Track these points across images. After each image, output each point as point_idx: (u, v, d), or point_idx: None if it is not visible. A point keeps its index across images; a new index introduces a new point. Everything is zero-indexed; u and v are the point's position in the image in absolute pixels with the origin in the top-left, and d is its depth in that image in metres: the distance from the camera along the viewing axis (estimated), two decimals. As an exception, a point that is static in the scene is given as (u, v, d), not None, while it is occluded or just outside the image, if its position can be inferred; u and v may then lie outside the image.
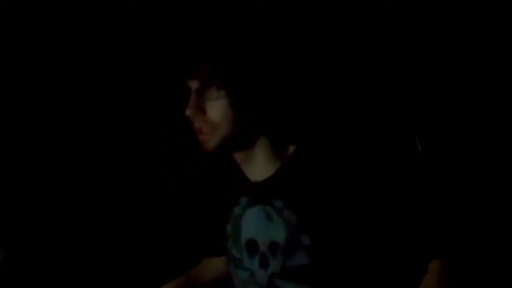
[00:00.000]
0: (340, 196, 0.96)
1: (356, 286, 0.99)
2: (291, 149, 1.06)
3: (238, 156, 1.07)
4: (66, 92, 2.04)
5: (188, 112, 1.00)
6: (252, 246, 1.05)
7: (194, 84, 0.99)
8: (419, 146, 1.60)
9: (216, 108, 0.98)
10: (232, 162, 1.11)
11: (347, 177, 0.96)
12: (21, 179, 1.95)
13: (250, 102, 0.99)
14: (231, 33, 1.01)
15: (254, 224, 1.04)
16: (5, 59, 1.94)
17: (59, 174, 2.01)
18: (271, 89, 1.02)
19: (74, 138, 2.04)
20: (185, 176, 2.06)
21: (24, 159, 1.97)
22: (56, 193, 2.00)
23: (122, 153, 2.09)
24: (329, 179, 0.97)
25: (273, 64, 1.04)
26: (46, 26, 1.96)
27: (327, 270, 0.96)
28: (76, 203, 2.02)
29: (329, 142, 1.03)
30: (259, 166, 1.05)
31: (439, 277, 0.98)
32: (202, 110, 0.99)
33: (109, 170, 2.07)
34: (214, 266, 1.29)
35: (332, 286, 0.97)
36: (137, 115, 2.11)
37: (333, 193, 0.96)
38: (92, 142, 2.06)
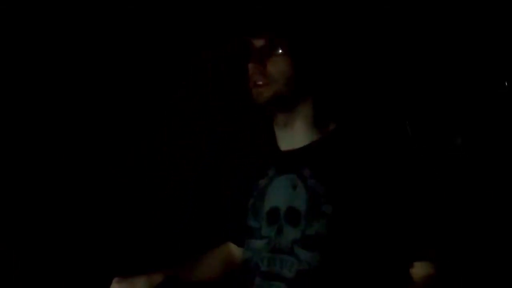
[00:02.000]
0: (365, 179, 1.02)
1: (362, 263, 1.03)
2: (331, 126, 1.13)
3: (279, 119, 1.13)
4: (66, 93, 2.04)
5: (250, 66, 1.09)
6: (273, 213, 1.08)
7: (259, 42, 1.08)
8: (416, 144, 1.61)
9: (277, 65, 1.06)
10: (263, 134, 1.20)
11: (375, 165, 1.03)
12: (21, 179, 1.96)
13: (308, 66, 1.08)
14: (297, 4, 1.12)
15: (278, 192, 1.09)
16: (5, 59, 1.94)
17: (59, 174, 2.01)
18: (329, 58, 1.13)
19: (75, 138, 2.04)
20: (185, 176, 2.07)
21: (24, 159, 1.97)
22: (56, 193, 2.00)
23: (122, 153, 2.09)
24: (359, 162, 1.03)
25: (335, 34, 1.16)
26: (46, 26, 1.96)
27: (342, 242, 1.01)
28: (76, 203, 2.02)
29: (368, 128, 1.10)
30: (296, 134, 1.11)
31: (429, 280, 1.02)
32: (263, 65, 1.07)
33: (110, 170, 2.07)
34: (231, 252, 1.32)
35: (344, 259, 1.01)
36: (137, 115, 2.11)
37: (359, 175, 1.02)
38: (92, 142, 2.06)
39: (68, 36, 2.01)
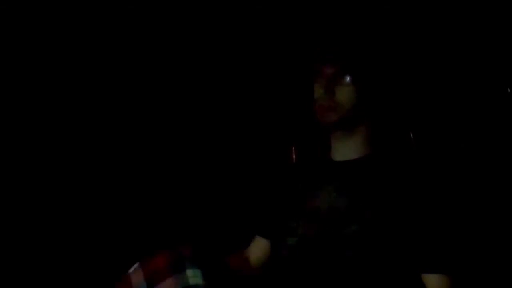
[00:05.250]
0: (398, 193, 1.13)
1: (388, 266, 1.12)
2: (381, 145, 1.25)
3: (338, 135, 1.24)
4: (66, 93, 2.04)
5: (318, 90, 1.21)
6: (313, 213, 1.19)
7: (330, 69, 1.19)
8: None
9: (345, 92, 1.19)
10: (318, 151, 1.32)
11: (408, 183, 1.14)
12: (21, 179, 1.96)
13: (370, 95, 1.21)
14: (368, 38, 1.28)
15: (323, 195, 1.20)
16: (5, 59, 1.94)
17: (59, 174, 2.01)
18: (387, 88, 1.27)
19: (75, 138, 2.04)
20: (185, 176, 2.07)
21: (24, 159, 1.97)
22: (56, 193, 2.00)
23: (122, 153, 2.09)
24: (397, 178, 1.16)
25: (395, 70, 1.31)
26: (47, 26, 1.96)
27: (375, 243, 1.10)
28: (77, 203, 2.02)
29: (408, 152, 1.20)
30: (351, 147, 1.23)
31: None
32: (331, 91, 1.19)
33: (110, 170, 2.07)
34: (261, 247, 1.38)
35: (375, 259, 1.10)
36: (137, 115, 2.11)
37: (395, 189, 1.14)
38: (92, 142, 2.06)
39: (68, 36, 2.01)
